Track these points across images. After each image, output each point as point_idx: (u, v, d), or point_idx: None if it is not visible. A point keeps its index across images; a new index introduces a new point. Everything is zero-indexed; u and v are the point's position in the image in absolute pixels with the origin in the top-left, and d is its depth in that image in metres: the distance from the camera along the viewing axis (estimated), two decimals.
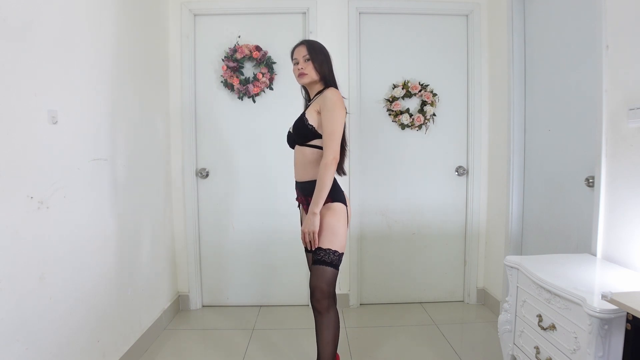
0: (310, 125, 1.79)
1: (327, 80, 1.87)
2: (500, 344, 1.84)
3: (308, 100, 1.97)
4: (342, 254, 1.79)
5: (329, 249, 1.74)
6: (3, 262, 1.35)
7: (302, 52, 1.84)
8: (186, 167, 2.89)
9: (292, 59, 1.90)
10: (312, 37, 2.79)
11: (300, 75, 1.85)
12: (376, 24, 2.93)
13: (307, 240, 1.75)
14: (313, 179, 1.81)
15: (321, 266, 1.75)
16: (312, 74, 1.84)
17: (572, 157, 2.09)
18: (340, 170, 1.87)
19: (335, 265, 1.76)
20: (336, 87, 1.85)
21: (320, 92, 1.85)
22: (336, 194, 1.80)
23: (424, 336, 2.53)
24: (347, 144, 1.94)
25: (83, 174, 1.80)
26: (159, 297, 2.63)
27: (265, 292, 3.03)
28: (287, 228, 2.92)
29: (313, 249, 1.76)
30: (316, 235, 1.73)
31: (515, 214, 2.58)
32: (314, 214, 1.72)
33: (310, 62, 1.83)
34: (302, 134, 1.83)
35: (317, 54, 1.84)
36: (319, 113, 1.78)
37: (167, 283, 2.78)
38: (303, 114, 1.84)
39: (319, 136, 1.80)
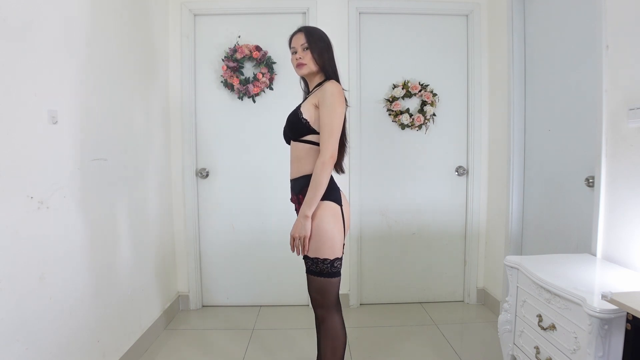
0: (305, 119, 1.63)
1: (328, 71, 1.71)
2: (500, 344, 1.84)
3: (307, 93, 1.79)
4: (337, 259, 1.62)
5: (316, 258, 1.60)
6: (3, 262, 1.35)
7: (300, 40, 1.68)
8: (186, 167, 2.89)
9: (290, 47, 1.73)
10: None
11: (299, 65, 1.69)
12: (376, 24, 2.93)
13: (297, 245, 1.59)
14: (303, 174, 1.67)
15: (310, 275, 1.65)
16: (310, 65, 1.67)
17: (572, 157, 2.09)
18: (338, 167, 1.75)
19: (327, 274, 1.61)
20: (337, 78, 1.71)
21: (320, 85, 1.68)
22: (329, 192, 1.61)
23: (424, 336, 2.53)
24: (347, 139, 1.79)
25: (83, 174, 1.80)
26: (158, 297, 2.63)
27: (265, 292, 3.03)
28: (287, 228, 2.85)
29: (300, 255, 1.62)
30: (307, 241, 1.57)
31: (515, 214, 2.58)
32: (306, 217, 1.56)
33: (308, 52, 1.67)
34: (295, 129, 1.67)
35: (316, 42, 1.68)
36: (316, 107, 1.62)
37: (167, 283, 2.78)
38: (298, 107, 1.68)
39: (314, 131, 1.64)
